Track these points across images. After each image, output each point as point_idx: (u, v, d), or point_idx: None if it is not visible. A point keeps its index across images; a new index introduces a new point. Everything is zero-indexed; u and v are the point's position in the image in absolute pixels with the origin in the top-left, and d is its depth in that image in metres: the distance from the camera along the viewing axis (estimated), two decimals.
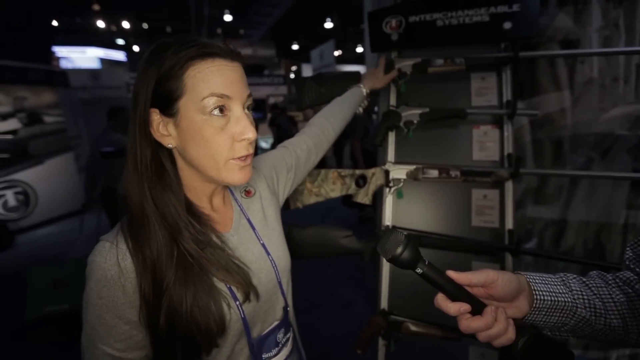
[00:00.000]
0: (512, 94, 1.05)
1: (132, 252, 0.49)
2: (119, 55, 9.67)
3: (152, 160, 0.52)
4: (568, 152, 1.68)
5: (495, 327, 0.45)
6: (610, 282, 0.56)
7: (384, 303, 1.08)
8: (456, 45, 1.17)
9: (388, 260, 0.44)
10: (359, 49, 13.36)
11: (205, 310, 0.50)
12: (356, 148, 3.76)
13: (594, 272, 0.59)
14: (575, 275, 0.57)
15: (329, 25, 10.99)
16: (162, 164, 0.54)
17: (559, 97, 1.63)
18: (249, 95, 0.54)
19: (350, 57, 14.28)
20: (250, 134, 0.52)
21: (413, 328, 1.00)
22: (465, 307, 0.45)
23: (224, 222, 0.61)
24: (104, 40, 9.94)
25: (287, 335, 0.64)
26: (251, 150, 0.54)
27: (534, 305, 0.50)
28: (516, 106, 0.99)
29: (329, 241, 1.10)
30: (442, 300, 0.47)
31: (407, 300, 1.09)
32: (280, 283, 0.63)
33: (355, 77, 1.21)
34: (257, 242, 0.62)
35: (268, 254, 0.62)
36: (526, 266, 1.65)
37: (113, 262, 0.48)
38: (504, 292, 0.48)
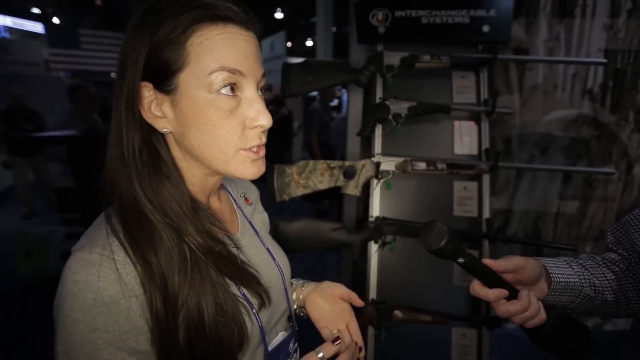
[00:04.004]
0: (490, 93, 1.13)
1: (135, 260, 0.39)
2: (36, 27, 8.19)
3: (142, 146, 0.42)
4: (516, 150, 1.89)
5: (530, 309, 0.48)
6: (600, 262, 0.64)
7: (373, 293, 1.10)
8: (438, 44, 1.22)
9: (431, 252, 0.44)
10: (309, 43, 13.34)
11: (228, 322, 0.43)
12: (313, 141, 3.78)
13: (584, 254, 0.67)
14: (573, 259, 0.64)
15: (279, 15, 10.75)
16: (157, 151, 0.44)
17: (510, 100, 1.81)
18: (264, 75, 0.46)
19: (300, 50, 14.19)
20: (265, 120, 0.43)
21: (403, 315, 1.03)
22: (504, 292, 0.47)
23: (228, 223, 0.54)
24: (14, 7, 8.32)
25: (295, 345, 0.61)
26: (264, 140, 0.46)
27: (552, 286, 0.55)
28: (495, 104, 1.07)
29: (320, 234, 1.08)
30: (479, 288, 0.48)
31: (395, 289, 1.12)
32: (286, 290, 0.59)
33: (343, 67, 1.19)
34: (262, 248, 0.58)
35: (274, 259, 0.58)
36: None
37: (111, 278, 0.37)
38: (531, 276, 0.51)
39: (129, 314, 0.38)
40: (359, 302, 0.62)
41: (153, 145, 0.43)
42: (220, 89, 0.41)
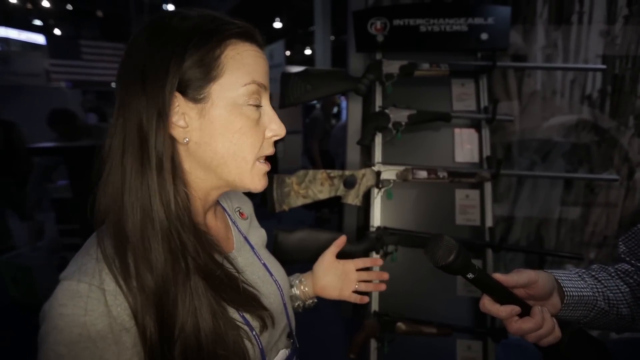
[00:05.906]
0: (491, 101, 1.13)
1: (126, 290, 0.36)
2: (38, 38, 8.26)
3: (167, 158, 0.40)
4: (516, 156, 1.88)
5: (544, 326, 0.46)
6: (612, 274, 0.61)
7: (375, 305, 1.08)
8: (437, 52, 1.22)
9: (439, 268, 0.42)
10: (308, 51, 13.47)
11: (230, 355, 0.41)
12: (314, 150, 3.77)
13: (595, 265, 0.64)
14: (584, 270, 0.61)
15: (278, 25, 10.86)
16: (175, 163, 0.43)
17: (509, 106, 1.80)
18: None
19: (299, 58, 14.32)
20: (282, 130, 0.47)
21: (406, 327, 1.01)
22: (516, 309, 0.45)
23: (224, 240, 0.53)
24: (15, 19, 8.41)
25: None
26: (273, 150, 0.49)
27: (565, 301, 0.53)
28: (495, 112, 1.06)
29: (321, 245, 1.05)
30: (490, 304, 0.46)
31: (397, 300, 1.10)
32: (285, 306, 0.58)
33: (342, 76, 1.19)
34: (259, 264, 0.57)
35: (271, 275, 0.57)
36: None
37: (99, 312, 0.35)
38: (544, 290, 0.49)
39: (117, 348, 0.36)
40: (343, 239, 0.68)
41: (173, 158, 0.42)
42: (248, 101, 0.43)
